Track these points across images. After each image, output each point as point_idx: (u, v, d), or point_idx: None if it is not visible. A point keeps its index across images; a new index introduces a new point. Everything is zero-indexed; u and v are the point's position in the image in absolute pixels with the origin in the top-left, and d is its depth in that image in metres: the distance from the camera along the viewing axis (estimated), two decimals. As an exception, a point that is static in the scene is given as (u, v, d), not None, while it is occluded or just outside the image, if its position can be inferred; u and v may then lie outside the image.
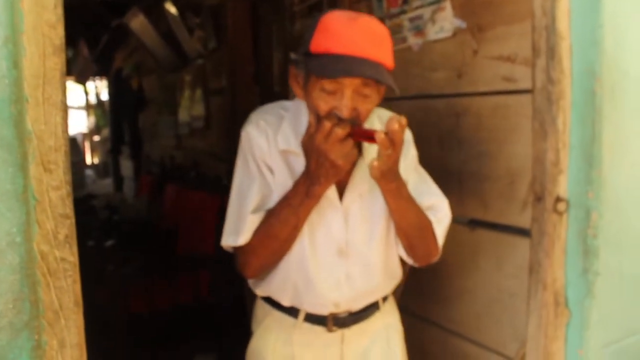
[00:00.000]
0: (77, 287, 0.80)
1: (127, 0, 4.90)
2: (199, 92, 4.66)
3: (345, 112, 1.20)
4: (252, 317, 1.58)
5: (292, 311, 1.45)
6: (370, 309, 1.49)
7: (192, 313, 3.22)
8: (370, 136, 1.17)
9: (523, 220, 1.69)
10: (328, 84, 1.20)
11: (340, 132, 1.17)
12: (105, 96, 9.84)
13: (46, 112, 0.75)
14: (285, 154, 1.36)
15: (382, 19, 2.24)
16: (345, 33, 1.19)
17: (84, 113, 12.73)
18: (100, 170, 11.62)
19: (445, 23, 1.92)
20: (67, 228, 0.78)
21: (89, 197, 5.75)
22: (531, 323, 1.33)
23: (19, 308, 0.72)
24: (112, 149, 8.07)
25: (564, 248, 1.27)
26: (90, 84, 10.55)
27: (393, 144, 1.15)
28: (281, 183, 1.35)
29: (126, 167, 7.61)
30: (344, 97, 1.20)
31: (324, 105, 1.22)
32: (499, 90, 1.75)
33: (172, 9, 4.44)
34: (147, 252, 3.69)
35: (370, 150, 1.37)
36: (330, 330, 1.44)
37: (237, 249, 1.37)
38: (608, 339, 1.31)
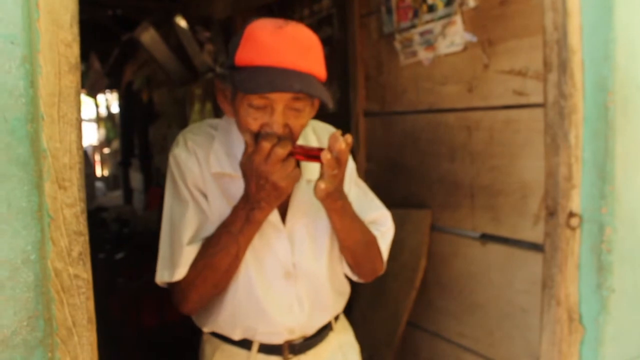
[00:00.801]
0: (91, 304, 0.80)
1: (138, 15, 4.94)
2: (209, 106, 4.68)
3: (276, 129, 1.12)
4: (199, 353, 1.48)
5: (245, 343, 1.35)
6: (324, 331, 1.43)
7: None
8: (314, 155, 1.11)
9: (535, 235, 1.68)
10: (256, 100, 1.11)
11: (281, 152, 1.08)
12: (115, 109, 9.91)
13: (61, 130, 0.76)
14: (219, 177, 1.27)
15: (392, 33, 2.25)
16: (271, 43, 1.10)
17: (94, 125, 12.82)
18: (110, 182, 11.67)
19: (455, 37, 1.92)
20: (80, 245, 0.78)
21: (99, 209, 5.77)
22: (544, 339, 1.31)
23: (33, 325, 0.72)
24: (122, 161, 8.12)
25: (577, 263, 1.26)
26: (100, 97, 10.63)
27: (339, 163, 1.10)
28: (217, 209, 1.26)
29: (136, 179, 7.64)
30: (275, 113, 1.12)
31: (253, 123, 1.13)
32: (511, 104, 1.75)
33: (182, 23, 4.48)
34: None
35: (309, 167, 1.31)
36: (286, 359, 1.36)
37: (173, 284, 1.26)
38: (623, 356, 1.29)
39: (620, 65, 1.20)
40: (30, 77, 0.71)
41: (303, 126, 1.18)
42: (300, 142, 1.22)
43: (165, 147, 6.19)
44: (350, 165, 1.42)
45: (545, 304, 1.31)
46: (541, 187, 1.37)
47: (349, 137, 1.10)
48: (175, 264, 1.23)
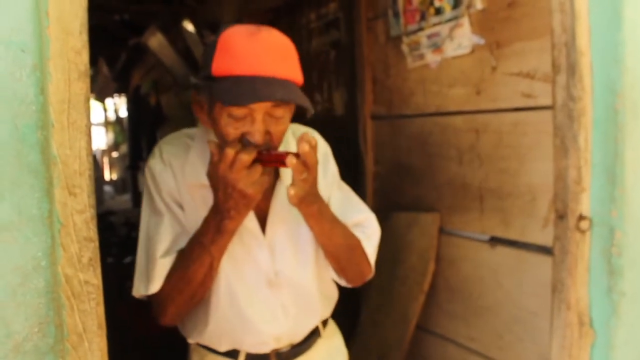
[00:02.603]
0: (101, 309, 0.80)
1: (145, 19, 4.97)
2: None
3: (258, 138, 1.10)
4: None
5: (232, 354, 1.34)
6: (312, 338, 1.41)
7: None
8: (280, 160, 1.08)
9: (544, 238, 1.67)
10: (236, 110, 1.09)
11: (245, 157, 1.06)
12: (123, 113, 9.96)
13: (71, 136, 0.76)
14: (196, 188, 1.26)
15: (399, 36, 2.25)
16: (247, 51, 1.09)
17: (103, 130, 12.90)
18: (118, 186, 11.73)
19: (463, 40, 1.92)
20: (90, 251, 0.78)
21: (107, 213, 5.80)
22: (555, 343, 1.31)
23: (44, 332, 0.73)
24: (131, 165, 8.16)
25: (587, 267, 1.25)
26: (109, 101, 10.69)
27: (307, 166, 1.08)
28: (194, 220, 1.23)
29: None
30: (255, 121, 1.10)
31: (233, 132, 1.11)
32: (519, 106, 1.74)
33: (189, 27, 4.50)
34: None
35: (288, 174, 1.29)
36: None
37: (151, 297, 1.25)
38: (635, 360, 1.28)
39: (630, 67, 1.20)
40: (41, 84, 0.71)
41: (283, 132, 1.17)
42: (281, 148, 1.21)
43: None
44: (333, 169, 1.42)
45: (555, 307, 1.30)
46: (550, 190, 1.36)
47: (313, 139, 1.08)
48: (149, 277, 1.22)
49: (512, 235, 1.81)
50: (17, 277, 0.70)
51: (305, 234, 1.32)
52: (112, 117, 11.72)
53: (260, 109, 1.10)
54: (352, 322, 2.51)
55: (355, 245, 1.34)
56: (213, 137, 1.21)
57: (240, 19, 3.87)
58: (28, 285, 0.71)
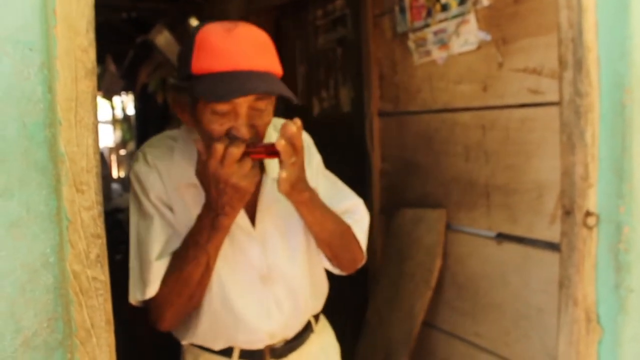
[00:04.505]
0: (108, 305, 0.81)
1: (152, 17, 4.98)
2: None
3: (243, 132, 1.11)
4: None
5: (226, 352, 1.35)
6: (304, 333, 1.42)
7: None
8: (269, 151, 1.10)
9: (551, 234, 1.67)
10: (220, 106, 1.10)
11: (235, 151, 1.07)
12: (131, 111, 9.99)
13: (78, 134, 0.77)
14: (183, 188, 1.26)
15: (406, 33, 2.24)
16: (225, 47, 1.09)
17: (110, 127, 12.94)
18: (126, 183, 11.75)
19: (469, 36, 1.91)
20: (98, 248, 0.79)
21: (115, 211, 5.82)
22: (562, 340, 1.30)
23: (53, 327, 0.73)
24: (138, 162, 8.15)
25: (594, 263, 1.25)
26: (116, 99, 10.73)
27: (295, 149, 1.08)
28: (184, 220, 1.24)
29: (152, 180, 7.68)
30: (239, 116, 1.12)
31: (219, 128, 1.12)
32: (526, 102, 1.74)
33: (196, 24, 4.50)
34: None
35: (273, 167, 1.30)
36: None
37: (148, 302, 1.25)
38: (642, 356, 1.28)
39: (637, 62, 1.19)
40: (48, 82, 0.72)
41: (267, 124, 1.19)
42: (264, 141, 1.21)
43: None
44: (317, 158, 1.43)
45: (563, 304, 1.30)
46: (557, 186, 1.36)
47: (298, 121, 1.09)
48: (145, 281, 1.21)
49: (519, 231, 1.81)
50: (26, 274, 0.71)
51: (294, 227, 1.33)
52: (119, 114, 11.75)
53: (243, 103, 1.11)
54: (359, 318, 2.52)
55: (346, 231, 1.35)
56: (197, 137, 1.21)
57: (246, 17, 3.87)
58: (37, 282, 0.71)
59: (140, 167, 1.27)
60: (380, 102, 2.54)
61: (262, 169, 1.31)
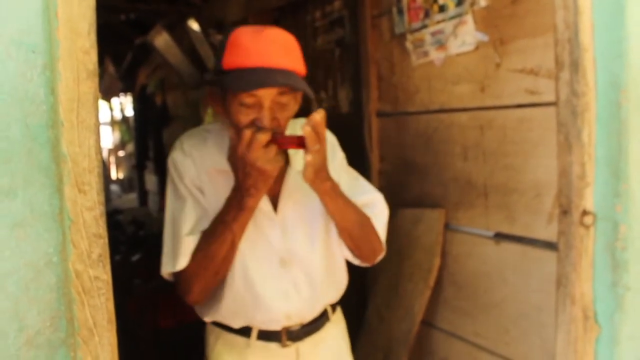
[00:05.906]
0: (110, 304, 0.82)
1: (151, 18, 4.98)
2: (222, 108, 4.70)
3: (266, 122, 1.22)
4: (205, 342, 1.56)
5: (244, 331, 1.43)
6: (321, 320, 1.49)
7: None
8: (294, 142, 1.20)
9: (549, 233, 1.67)
10: (246, 98, 1.22)
11: (262, 137, 1.18)
12: (130, 112, 9.99)
13: (80, 135, 0.77)
14: (215, 173, 1.37)
15: (403, 34, 2.25)
16: (254, 46, 1.21)
17: (109, 129, 12.93)
18: (125, 185, 11.76)
19: (467, 37, 1.92)
20: (100, 247, 0.80)
21: (115, 212, 5.83)
22: (560, 338, 1.31)
23: (56, 326, 0.74)
24: (137, 164, 8.17)
25: (591, 262, 1.26)
26: (115, 100, 10.73)
27: (319, 137, 1.17)
28: (214, 203, 1.34)
29: (151, 181, 7.70)
30: (263, 108, 1.22)
31: (244, 119, 1.23)
32: (523, 103, 1.75)
33: (195, 26, 4.51)
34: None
35: (297, 159, 1.41)
36: (284, 346, 1.43)
37: (178, 275, 1.35)
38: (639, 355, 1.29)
39: (633, 63, 1.20)
40: (51, 84, 0.73)
41: (289, 118, 1.30)
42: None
43: (180, 150, 6.22)
44: (340, 155, 1.52)
45: (560, 302, 1.30)
46: (555, 185, 1.37)
47: (321, 111, 1.18)
48: (177, 254, 1.32)
49: (517, 231, 1.82)
50: (30, 273, 0.72)
51: (315, 216, 1.42)
52: (118, 116, 11.74)
53: (267, 96, 1.22)
54: (359, 317, 2.53)
55: (366, 222, 1.43)
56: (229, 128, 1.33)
57: (245, 18, 3.88)
58: (40, 281, 0.72)
59: (177, 155, 1.38)
60: (379, 102, 2.55)
61: (287, 161, 1.41)
